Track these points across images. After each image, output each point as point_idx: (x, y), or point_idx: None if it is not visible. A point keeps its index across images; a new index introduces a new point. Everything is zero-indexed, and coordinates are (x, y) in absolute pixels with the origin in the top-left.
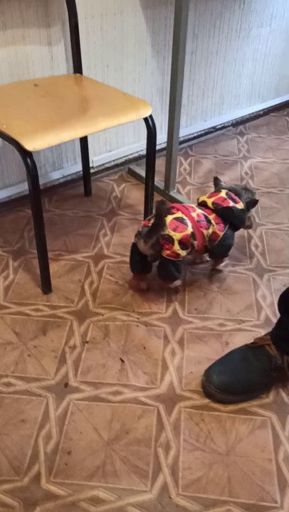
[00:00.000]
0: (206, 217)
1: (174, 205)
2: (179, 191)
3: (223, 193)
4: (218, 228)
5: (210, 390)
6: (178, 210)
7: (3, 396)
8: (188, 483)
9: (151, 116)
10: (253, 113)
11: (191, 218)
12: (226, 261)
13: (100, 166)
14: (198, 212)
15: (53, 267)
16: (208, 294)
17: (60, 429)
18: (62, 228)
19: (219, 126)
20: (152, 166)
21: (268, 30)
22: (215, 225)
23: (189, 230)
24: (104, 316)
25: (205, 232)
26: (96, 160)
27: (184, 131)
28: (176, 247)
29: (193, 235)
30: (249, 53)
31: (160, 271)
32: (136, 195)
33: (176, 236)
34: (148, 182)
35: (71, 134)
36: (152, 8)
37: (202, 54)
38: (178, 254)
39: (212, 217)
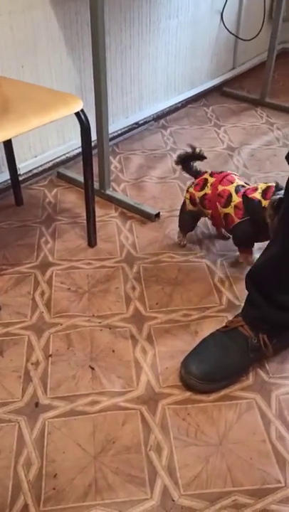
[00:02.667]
0: (229, 196)
1: (228, 173)
2: (114, 189)
3: (260, 185)
4: (236, 214)
5: (191, 381)
6: (213, 174)
7: None
8: (188, 481)
9: (82, 110)
10: (171, 106)
11: (214, 187)
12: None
13: (27, 172)
14: (225, 188)
15: None
16: (165, 287)
17: (39, 453)
18: None
19: (141, 122)
20: (90, 163)
21: (175, 22)
22: (233, 209)
23: (200, 193)
24: (63, 325)
25: (220, 208)
26: (22, 167)
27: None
28: (186, 196)
29: (201, 199)
30: (161, 46)
31: None
32: (71, 199)
33: (190, 189)
34: (87, 181)
35: (3, 134)
36: (62, 4)
37: (116, 49)
38: (185, 203)
39: (237, 202)
